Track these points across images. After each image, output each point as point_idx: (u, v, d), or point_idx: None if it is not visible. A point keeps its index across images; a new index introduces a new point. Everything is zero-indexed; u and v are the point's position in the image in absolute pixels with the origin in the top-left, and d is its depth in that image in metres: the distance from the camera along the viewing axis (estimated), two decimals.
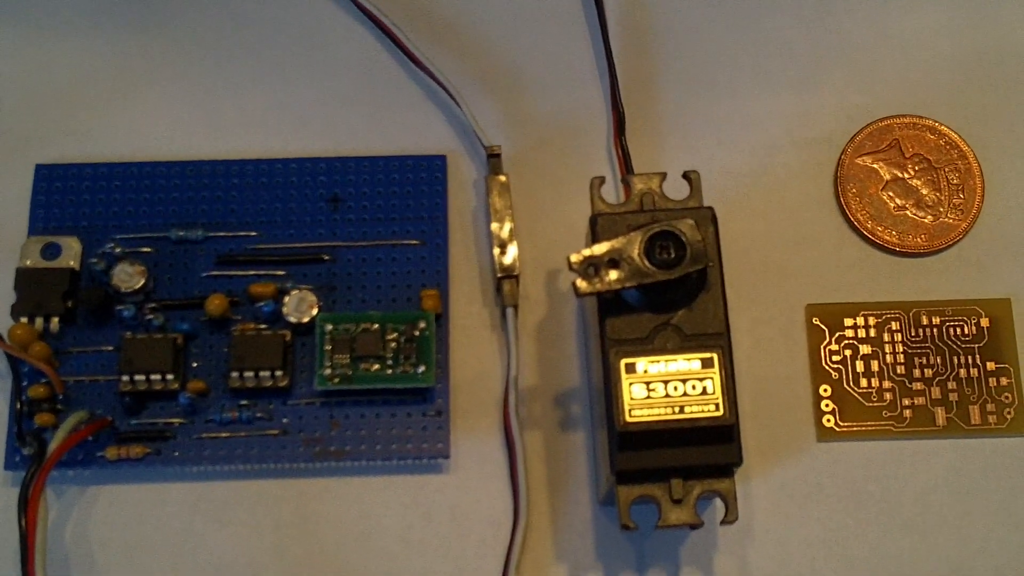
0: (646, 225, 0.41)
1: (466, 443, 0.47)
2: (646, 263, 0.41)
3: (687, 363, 0.41)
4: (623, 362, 0.41)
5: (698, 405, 0.40)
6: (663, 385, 0.40)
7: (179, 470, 0.46)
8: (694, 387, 0.40)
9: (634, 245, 0.41)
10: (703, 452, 0.41)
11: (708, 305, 0.41)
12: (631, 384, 0.40)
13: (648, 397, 0.40)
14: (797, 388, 0.47)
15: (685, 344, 0.41)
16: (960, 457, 0.47)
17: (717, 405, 0.40)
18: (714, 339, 0.41)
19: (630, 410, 0.40)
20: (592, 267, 0.41)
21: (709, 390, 0.40)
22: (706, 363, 0.41)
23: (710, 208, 0.42)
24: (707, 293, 0.41)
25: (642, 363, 0.41)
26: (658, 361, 0.41)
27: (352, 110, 0.51)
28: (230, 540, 0.46)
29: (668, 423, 0.40)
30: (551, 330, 0.48)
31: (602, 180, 0.44)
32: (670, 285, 0.41)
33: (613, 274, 0.41)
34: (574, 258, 0.41)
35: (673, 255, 0.41)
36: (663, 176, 0.43)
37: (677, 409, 0.40)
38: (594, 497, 0.46)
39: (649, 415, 0.40)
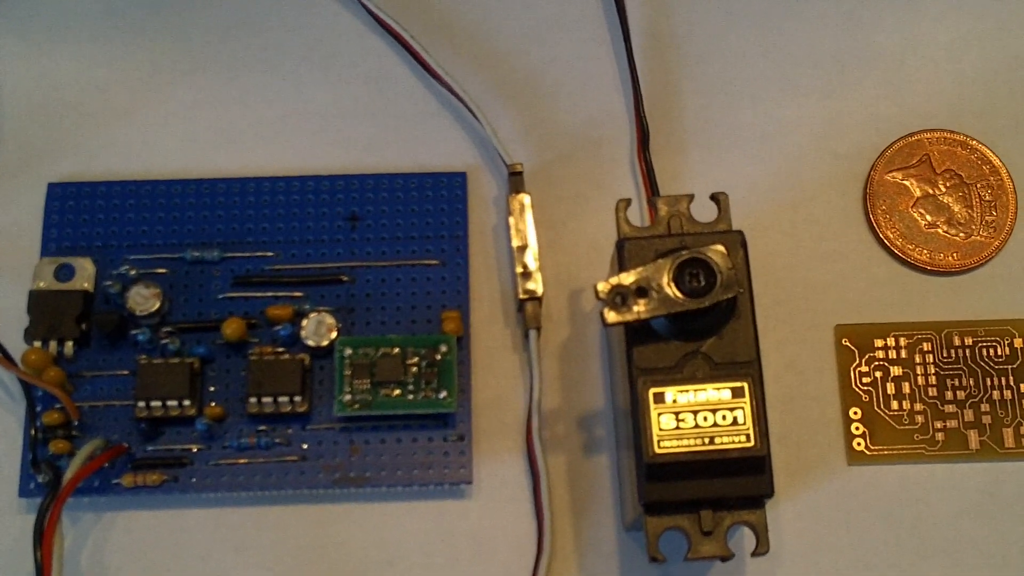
0: (675, 251, 0.40)
1: (488, 468, 0.46)
2: (675, 291, 0.40)
3: (717, 392, 0.40)
4: (652, 392, 0.40)
5: (728, 436, 0.39)
6: (692, 415, 0.39)
7: (197, 497, 0.45)
8: (724, 417, 0.39)
9: (663, 273, 0.40)
10: (734, 484, 0.40)
11: (738, 332, 0.40)
12: (660, 414, 0.39)
13: (677, 427, 0.39)
14: (826, 410, 0.46)
15: (715, 373, 0.40)
16: (993, 481, 0.46)
17: (748, 436, 0.39)
18: (744, 367, 0.40)
19: (659, 441, 0.39)
20: (620, 296, 0.40)
21: (740, 420, 0.39)
22: (736, 392, 0.40)
23: (739, 232, 0.41)
24: (737, 320, 0.40)
25: (671, 393, 0.40)
26: (687, 390, 0.40)
27: (370, 125, 0.50)
28: (249, 567, 0.45)
29: (698, 454, 0.39)
30: (574, 351, 0.47)
31: (628, 203, 0.42)
32: (699, 313, 0.40)
33: (641, 303, 0.40)
34: (601, 287, 0.40)
35: (703, 283, 0.40)
36: (690, 198, 0.42)
37: (707, 440, 0.39)
38: (619, 521, 0.45)
39: (678, 446, 0.39)
